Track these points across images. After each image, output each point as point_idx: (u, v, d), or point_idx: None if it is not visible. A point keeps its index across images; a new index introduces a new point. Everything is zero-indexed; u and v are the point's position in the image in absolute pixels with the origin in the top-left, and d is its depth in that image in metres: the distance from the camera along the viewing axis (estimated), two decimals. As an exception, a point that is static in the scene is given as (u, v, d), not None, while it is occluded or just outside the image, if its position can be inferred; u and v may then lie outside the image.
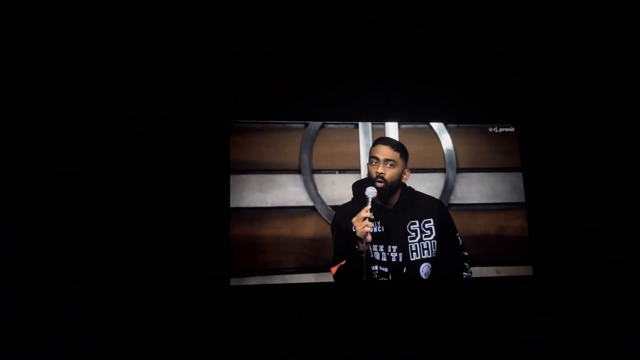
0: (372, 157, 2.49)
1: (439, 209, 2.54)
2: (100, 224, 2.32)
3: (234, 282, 2.33)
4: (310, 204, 2.47)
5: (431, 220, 2.51)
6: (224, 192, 2.40)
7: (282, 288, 2.37)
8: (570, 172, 2.69)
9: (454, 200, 2.59)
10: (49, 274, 2.24)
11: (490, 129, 2.69)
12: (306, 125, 2.55)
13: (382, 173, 2.45)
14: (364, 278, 2.38)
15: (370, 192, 2.41)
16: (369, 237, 2.37)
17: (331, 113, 2.59)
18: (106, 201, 2.34)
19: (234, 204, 2.40)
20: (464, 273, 2.50)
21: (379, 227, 2.44)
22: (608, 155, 2.71)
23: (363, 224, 2.37)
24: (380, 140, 2.55)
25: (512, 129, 2.69)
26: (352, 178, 2.52)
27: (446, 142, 2.64)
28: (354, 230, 2.40)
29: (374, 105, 2.65)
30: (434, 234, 2.50)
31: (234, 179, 2.43)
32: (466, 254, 2.51)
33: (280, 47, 2.63)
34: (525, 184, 2.62)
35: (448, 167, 2.62)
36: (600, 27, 2.74)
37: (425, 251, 2.47)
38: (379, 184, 2.44)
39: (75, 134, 2.37)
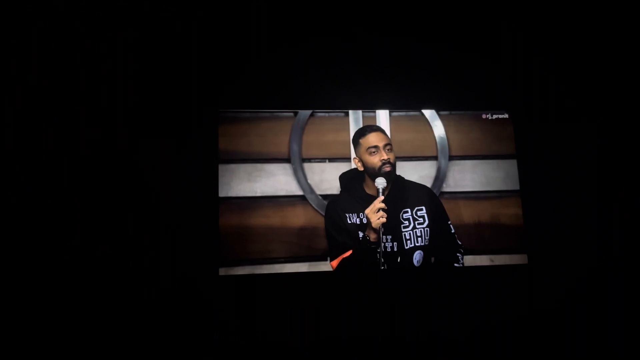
0: (370, 148, 2.46)
1: (429, 196, 2.51)
2: (95, 216, 2.31)
3: (222, 271, 2.32)
4: (300, 193, 2.45)
5: (423, 208, 2.48)
6: (213, 182, 2.38)
7: (275, 277, 2.35)
8: (565, 163, 2.65)
9: (446, 188, 2.55)
10: (49, 274, 2.23)
11: (484, 116, 2.64)
12: (295, 113, 2.53)
13: (387, 158, 2.44)
14: (382, 267, 2.37)
15: (380, 182, 2.40)
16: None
17: (321, 101, 2.56)
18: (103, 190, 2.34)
19: (222, 193, 2.39)
20: (455, 264, 2.46)
21: None
22: (606, 153, 2.67)
23: (378, 215, 2.36)
24: (369, 129, 2.52)
25: (506, 116, 2.64)
26: (342, 167, 2.49)
27: (438, 129, 2.60)
28: (360, 222, 2.40)
29: (364, 92, 2.61)
30: (426, 221, 2.47)
31: (222, 169, 2.41)
32: (459, 242, 2.48)
33: (269, 34, 2.59)
34: (519, 171, 2.58)
35: (440, 155, 2.58)
36: (600, 26, 2.70)
37: (419, 239, 2.44)
38: (387, 168, 2.43)
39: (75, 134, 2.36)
